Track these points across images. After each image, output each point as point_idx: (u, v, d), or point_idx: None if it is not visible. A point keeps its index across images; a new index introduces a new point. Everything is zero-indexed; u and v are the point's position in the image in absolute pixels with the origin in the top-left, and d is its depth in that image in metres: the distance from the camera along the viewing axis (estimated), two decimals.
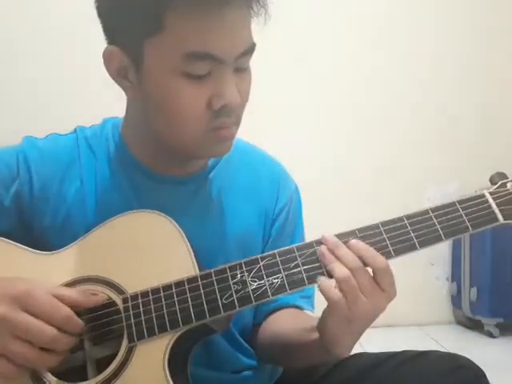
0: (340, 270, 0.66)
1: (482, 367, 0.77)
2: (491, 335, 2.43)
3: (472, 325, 2.55)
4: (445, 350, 0.87)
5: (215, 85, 0.71)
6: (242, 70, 0.74)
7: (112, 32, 0.74)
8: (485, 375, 0.76)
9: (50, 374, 0.68)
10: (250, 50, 0.73)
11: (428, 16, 2.65)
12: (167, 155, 0.82)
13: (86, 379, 0.68)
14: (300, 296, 0.88)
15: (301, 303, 0.88)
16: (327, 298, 0.67)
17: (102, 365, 0.69)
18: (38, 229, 0.80)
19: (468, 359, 0.78)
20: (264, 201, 0.89)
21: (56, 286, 0.71)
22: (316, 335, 0.73)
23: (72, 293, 0.69)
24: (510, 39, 2.68)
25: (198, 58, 0.69)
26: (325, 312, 0.69)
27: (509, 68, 2.69)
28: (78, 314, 0.68)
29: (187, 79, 0.70)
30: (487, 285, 2.44)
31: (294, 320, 0.84)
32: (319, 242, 0.70)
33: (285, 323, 0.85)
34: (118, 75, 0.75)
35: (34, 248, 0.76)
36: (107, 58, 0.75)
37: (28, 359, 0.65)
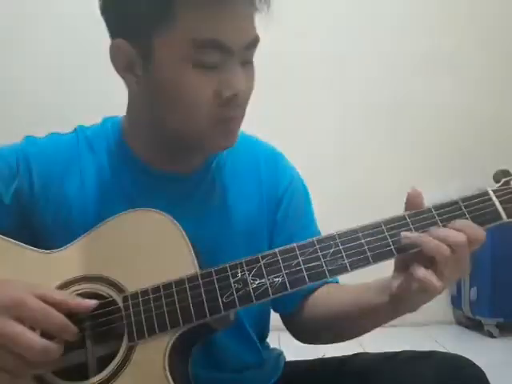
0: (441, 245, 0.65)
1: (482, 367, 0.77)
2: (491, 335, 2.43)
3: (472, 325, 2.56)
4: (445, 350, 0.87)
5: (224, 75, 0.73)
6: (247, 64, 0.76)
7: (119, 25, 0.75)
8: (485, 375, 0.76)
9: (50, 373, 0.68)
10: (255, 42, 0.76)
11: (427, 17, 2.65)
12: (169, 152, 0.82)
13: (86, 378, 0.68)
14: None
15: (335, 279, 0.87)
16: (427, 251, 0.65)
17: (102, 363, 0.69)
18: (39, 227, 0.80)
19: (468, 359, 0.78)
20: (265, 187, 0.89)
21: (49, 288, 0.69)
22: (383, 298, 0.72)
23: (65, 297, 0.67)
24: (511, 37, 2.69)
25: (208, 46, 0.71)
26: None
27: (509, 68, 2.69)
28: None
29: (198, 68, 0.72)
30: (487, 285, 2.44)
31: (349, 291, 0.83)
32: (320, 241, 0.70)
33: (340, 296, 0.84)
34: (125, 69, 0.76)
35: (34, 246, 0.76)
36: (115, 51, 0.75)
37: (17, 372, 0.64)
